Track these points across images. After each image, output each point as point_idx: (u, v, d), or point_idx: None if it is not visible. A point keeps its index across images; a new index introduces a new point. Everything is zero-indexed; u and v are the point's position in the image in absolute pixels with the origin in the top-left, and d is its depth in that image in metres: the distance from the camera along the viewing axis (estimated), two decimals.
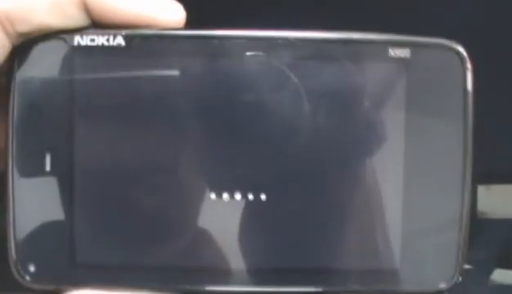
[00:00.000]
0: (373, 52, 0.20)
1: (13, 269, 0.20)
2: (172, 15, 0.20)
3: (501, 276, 0.42)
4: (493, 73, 0.34)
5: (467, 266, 0.40)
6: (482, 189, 0.41)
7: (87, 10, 0.19)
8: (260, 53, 0.20)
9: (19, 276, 0.20)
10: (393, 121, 0.21)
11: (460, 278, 0.21)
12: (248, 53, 0.20)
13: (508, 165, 0.41)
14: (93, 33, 0.20)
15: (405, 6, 0.36)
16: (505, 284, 0.42)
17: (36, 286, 0.20)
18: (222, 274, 0.21)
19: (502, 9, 0.36)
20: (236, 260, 0.21)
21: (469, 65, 0.21)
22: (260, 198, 0.20)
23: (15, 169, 0.20)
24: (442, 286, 0.21)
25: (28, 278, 0.20)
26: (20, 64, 0.20)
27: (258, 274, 0.21)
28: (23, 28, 0.19)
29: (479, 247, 0.41)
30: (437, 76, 0.21)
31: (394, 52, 0.20)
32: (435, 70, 0.21)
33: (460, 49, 0.21)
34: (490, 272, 0.42)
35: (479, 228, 0.41)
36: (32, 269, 0.20)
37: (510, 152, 0.40)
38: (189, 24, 0.20)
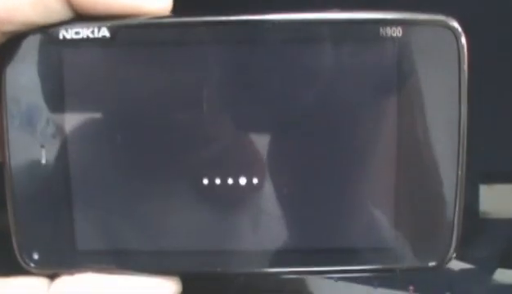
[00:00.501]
0: (363, 32, 0.20)
1: (18, 257, 0.21)
2: (158, 3, 0.20)
3: (503, 275, 0.42)
4: (495, 72, 0.34)
5: (469, 266, 0.41)
6: (484, 189, 0.41)
7: (69, 3, 0.19)
8: (250, 37, 0.20)
9: (24, 263, 0.21)
10: (386, 101, 0.20)
11: (454, 255, 0.21)
12: (238, 38, 0.20)
13: (510, 164, 0.40)
14: (78, 26, 0.20)
15: None
16: (507, 284, 0.42)
17: (40, 272, 0.21)
18: (220, 257, 0.21)
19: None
20: (231, 243, 0.21)
21: (463, 41, 0.20)
22: (261, 182, 0.21)
23: (12, 162, 0.21)
24: (434, 263, 0.21)
25: (32, 264, 0.21)
26: (9, 60, 0.20)
27: (257, 256, 0.21)
28: (8, 27, 0.19)
29: (481, 247, 0.41)
30: (431, 54, 0.20)
31: (385, 31, 0.20)
32: (429, 48, 0.20)
33: (455, 24, 0.20)
34: (492, 271, 0.42)
35: (481, 227, 0.41)
36: (36, 256, 0.21)
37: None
38: (175, 11, 0.20)
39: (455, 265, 0.41)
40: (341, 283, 0.40)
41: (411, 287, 0.41)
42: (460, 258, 0.42)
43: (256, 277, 0.22)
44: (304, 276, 0.22)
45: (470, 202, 0.41)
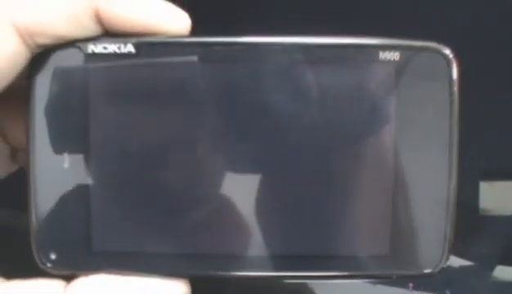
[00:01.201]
0: (363, 55, 0.22)
1: (36, 257, 0.22)
2: (178, 24, 0.22)
3: (503, 273, 0.42)
4: (495, 70, 0.36)
5: (469, 263, 0.41)
6: (484, 186, 0.41)
7: (99, 20, 0.21)
8: (260, 58, 0.22)
9: (41, 263, 0.22)
10: (385, 116, 0.22)
11: (447, 264, 0.23)
12: (250, 57, 0.22)
13: (510, 161, 0.41)
14: (105, 42, 0.21)
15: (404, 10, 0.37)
16: (507, 281, 0.42)
17: (56, 272, 0.22)
18: (234, 260, 0.23)
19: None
20: (242, 247, 0.23)
21: (455, 67, 0.22)
22: (262, 194, 0.22)
23: (35, 166, 0.22)
24: (429, 270, 0.23)
25: (49, 265, 0.22)
26: (39, 70, 0.21)
27: (255, 260, 0.23)
28: (42, 40, 0.21)
29: (481, 244, 0.42)
30: (425, 77, 0.22)
31: (384, 55, 0.22)
32: (423, 71, 0.22)
33: (447, 51, 0.22)
34: (492, 269, 0.42)
35: (481, 224, 0.42)
36: (53, 256, 0.22)
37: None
38: (194, 30, 0.22)
39: (455, 261, 0.41)
40: (340, 280, 0.40)
41: (411, 285, 0.41)
42: (459, 255, 0.42)
43: (261, 280, 0.23)
44: (306, 280, 0.23)
45: (470, 200, 0.41)
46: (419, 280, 0.41)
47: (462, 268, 0.42)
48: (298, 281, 0.23)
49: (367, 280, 0.40)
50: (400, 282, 0.41)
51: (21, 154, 0.26)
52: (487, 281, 0.42)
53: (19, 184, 0.23)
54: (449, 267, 0.39)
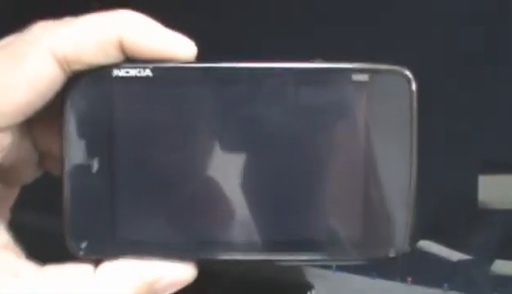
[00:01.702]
0: (339, 77, 0.27)
1: (68, 246, 0.27)
2: (187, 51, 0.26)
3: (502, 267, 0.42)
4: (494, 63, 0.37)
5: (467, 256, 0.43)
6: (482, 179, 0.41)
7: (123, 50, 0.25)
8: (252, 79, 0.27)
9: (73, 251, 0.27)
10: (357, 126, 0.27)
11: (409, 249, 0.28)
12: (240, 79, 0.27)
13: (509, 155, 0.41)
14: (127, 67, 0.26)
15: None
16: (505, 275, 0.42)
17: (87, 258, 0.26)
18: (226, 245, 0.27)
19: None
20: (224, 233, 0.27)
21: (414, 87, 0.27)
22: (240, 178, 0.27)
23: (68, 170, 0.26)
24: (393, 254, 0.28)
25: (80, 252, 0.27)
26: (72, 91, 0.26)
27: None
28: (75, 66, 0.25)
29: (480, 238, 0.43)
30: (390, 93, 0.27)
31: (356, 77, 0.27)
32: (388, 90, 0.27)
33: (407, 73, 0.27)
34: (490, 262, 0.42)
35: (480, 218, 0.42)
36: (83, 245, 0.27)
37: (511, 142, 0.41)
38: (199, 56, 0.27)
39: (454, 255, 0.42)
40: (339, 274, 0.42)
41: (409, 279, 0.43)
42: (458, 248, 0.42)
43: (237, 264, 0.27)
44: (287, 263, 0.28)
45: (469, 193, 0.42)
46: (419, 273, 0.43)
47: (460, 262, 0.43)
48: (283, 264, 0.28)
49: (367, 274, 0.43)
50: (399, 276, 0.43)
51: (48, 161, 0.29)
52: (485, 275, 0.43)
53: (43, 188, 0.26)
54: (447, 261, 0.42)
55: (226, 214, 0.27)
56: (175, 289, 0.27)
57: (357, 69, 0.27)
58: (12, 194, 0.30)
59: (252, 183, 0.27)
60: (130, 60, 0.26)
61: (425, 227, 0.43)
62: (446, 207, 0.43)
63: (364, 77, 0.27)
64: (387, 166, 0.27)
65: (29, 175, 0.30)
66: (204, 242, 0.27)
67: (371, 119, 0.27)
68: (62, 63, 0.24)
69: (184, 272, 0.27)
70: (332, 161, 0.27)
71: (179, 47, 0.26)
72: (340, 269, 0.42)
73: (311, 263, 0.28)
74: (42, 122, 0.28)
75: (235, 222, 0.27)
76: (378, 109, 0.27)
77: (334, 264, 0.27)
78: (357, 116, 0.27)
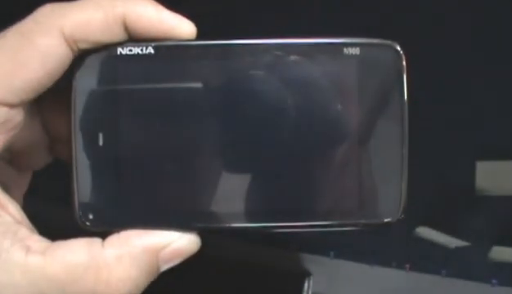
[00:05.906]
0: (332, 51, 0.28)
1: (77, 218, 0.28)
2: (187, 30, 0.28)
3: (500, 253, 0.42)
4: (493, 49, 0.37)
5: (465, 243, 0.42)
6: (480, 166, 0.41)
7: (126, 28, 0.27)
8: (247, 54, 0.28)
9: (81, 223, 0.28)
10: (350, 97, 0.28)
11: (403, 215, 0.29)
12: (241, 58, 0.28)
13: (507, 141, 0.41)
14: (131, 45, 0.27)
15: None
16: (503, 262, 0.42)
17: (94, 229, 0.28)
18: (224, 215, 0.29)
19: None
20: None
21: (404, 61, 0.28)
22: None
23: (76, 146, 0.28)
24: (389, 219, 0.29)
25: (88, 223, 0.28)
26: (79, 70, 0.27)
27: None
28: (83, 45, 0.26)
29: (478, 224, 0.42)
30: (380, 68, 0.28)
31: (348, 50, 0.28)
32: (379, 64, 0.28)
33: (398, 47, 0.28)
34: (488, 249, 0.42)
35: (478, 205, 0.42)
36: (91, 216, 0.28)
37: (509, 128, 0.41)
38: (198, 35, 0.28)
39: (451, 241, 0.42)
40: (337, 261, 0.42)
41: (407, 265, 0.43)
42: (455, 235, 0.42)
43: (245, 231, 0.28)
44: (286, 230, 0.29)
45: (467, 180, 0.42)
46: (417, 260, 0.43)
47: (458, 249, 0.43)
48: (282, 231, 0.29)
49: (364, 262, 0.43)
50: (396, 263, 0.43)
51: (58, 146, 0.31)
52: (483, 261, 0.43)
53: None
54: (445, 248, 0.41)
55: (226, 184, 0.29)
56: (180, 259, 0.28)
57: (348, 43, 0.28)
58: (24, 180, 0.31)
59: (251, 154, 0.28)
60: (133, 39, 0.27)
61: (423, 214, 0.43)
62: (443, 193, 0.43)
63: (355, 50, 0.28)
64: (380, 137, 0.29)
65: (40, 160, 0.31)
66: (206, 212, 0.28)
67: (363, 91, 0.28)
68: (70, 42, 0.26)
69: (188, 241, 0.28)
70: (326, 132, 0.29)
71: (179, 26, 0.27)
72: (338, 256, 0.42)
73: (308, 230, 0.29)
74: (51, 105, 0.29)
75: (236, 192, 0.28)
76: (369, 81, 0.28)
77: (331, 230, 0.28)
78: (349, 86, 0.28)
